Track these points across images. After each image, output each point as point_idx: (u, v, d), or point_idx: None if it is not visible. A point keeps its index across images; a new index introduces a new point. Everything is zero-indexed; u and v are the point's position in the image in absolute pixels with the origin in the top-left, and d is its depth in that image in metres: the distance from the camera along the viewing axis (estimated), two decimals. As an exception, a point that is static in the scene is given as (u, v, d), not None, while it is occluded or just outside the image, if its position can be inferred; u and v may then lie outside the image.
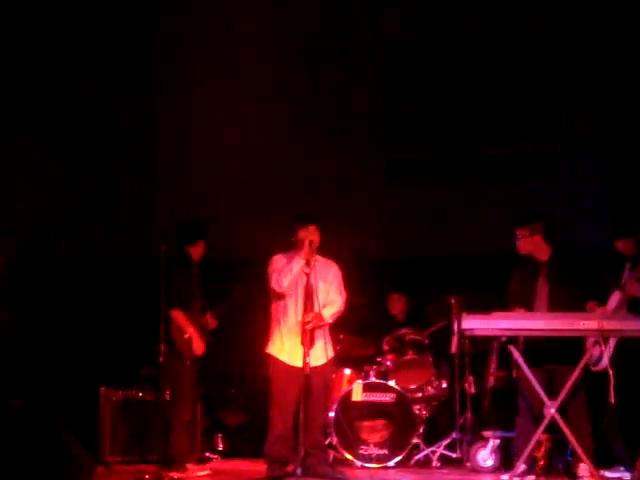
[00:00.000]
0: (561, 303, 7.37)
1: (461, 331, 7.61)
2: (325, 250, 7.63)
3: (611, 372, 6.99)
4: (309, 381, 7.36)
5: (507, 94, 10.47)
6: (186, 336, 7.89)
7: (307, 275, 7.49)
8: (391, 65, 10.69)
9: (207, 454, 8.99)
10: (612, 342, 7.29)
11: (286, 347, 7.52)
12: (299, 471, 7.13)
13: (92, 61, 10.72)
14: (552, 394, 7.21)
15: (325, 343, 7.54)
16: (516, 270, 7.67)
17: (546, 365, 7.37)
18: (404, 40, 10.63)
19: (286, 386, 7.46)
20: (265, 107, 10.58)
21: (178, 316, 7.89)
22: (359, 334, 9.03)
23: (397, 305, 9.31)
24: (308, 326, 7.39)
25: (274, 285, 7.53)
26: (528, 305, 7.47)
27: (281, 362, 7.55)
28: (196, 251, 8.14)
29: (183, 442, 7.88)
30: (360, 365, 8.91)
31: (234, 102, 10.62)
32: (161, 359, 7.61)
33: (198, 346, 7.96)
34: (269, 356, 7.62)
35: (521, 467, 7.32)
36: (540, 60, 10.40)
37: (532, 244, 7.55)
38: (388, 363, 8.84)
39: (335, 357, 7.78)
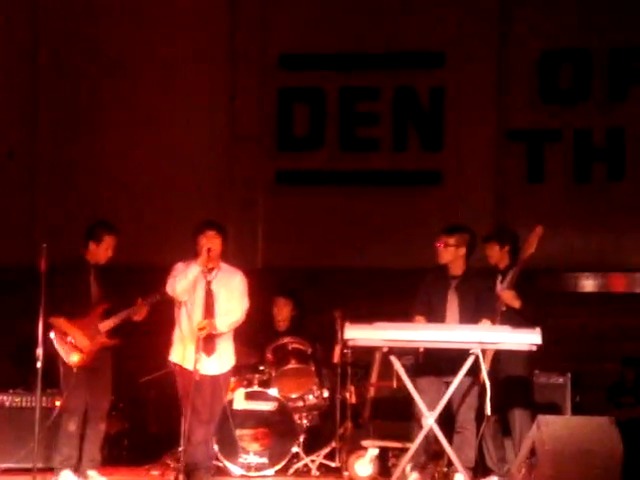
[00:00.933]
0: (470, 316, 7.51)
1: (344, 340, 7.69)
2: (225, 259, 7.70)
3: (488, 384, 7.13)
4: (199, 388, 7.39)
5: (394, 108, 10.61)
6: (68, 339, 7.72)
7: (208, 282, 7.55)
8: (282, 74, 10.73)
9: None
10: (489, 354, 7.44)
11: (188, 353, 7.56)
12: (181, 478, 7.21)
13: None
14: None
15: (228, 351, 7.69)
16: (425, 280, 7.76)
17: (442, 376, 7.47)
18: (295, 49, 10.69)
19: (194, 391, 7.45)
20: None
21: (58, 322, 7.74)
22: (242, 342, 8.99)
23: (283, 310, 9.28)
24: (200, 333, 7.41)
25: (168, 290, 7.59)
26: (438, 317, 7.57)
27: (184, 369, 7.59)
28: (100, 250, 7.87)
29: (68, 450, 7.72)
30: (243, 373, 8.90)
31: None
32: (38, 364, 7.37)
33: (84, 347, 7.70)
34: (172, 363, 7.70)
35: (414, 476, 7.44)
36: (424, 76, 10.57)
37: (455, 255, 7.65)
38: (271, 372, 8.85)
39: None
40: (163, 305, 7.76)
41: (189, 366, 7.53)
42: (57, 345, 7.73)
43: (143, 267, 9.28)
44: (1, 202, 10.63)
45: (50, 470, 7.76)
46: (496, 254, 7.84)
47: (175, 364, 7.68)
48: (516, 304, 7.59)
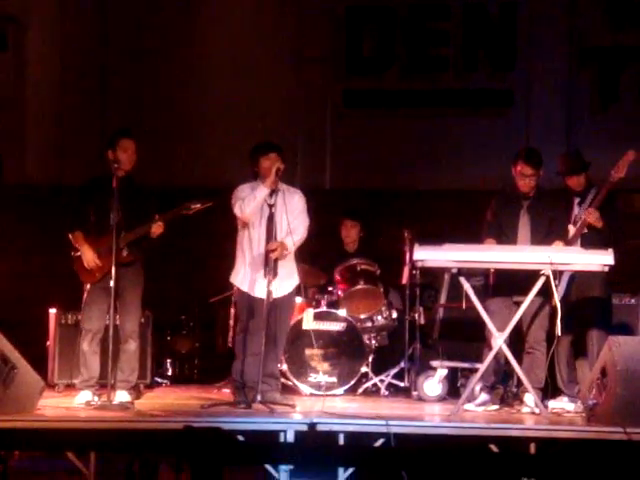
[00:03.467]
0: (542, 238, 7.45)
1: (412, 262, 7.67)
2: (283, 179, 7.62)
3: (559, 305, 7.08)
4: (271, 311, 7.40)
5: (463, 26, 10.44)
6: (78, 254, 7.54)
7: (270, 205, 7.50)
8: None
9: (156, 379, 8.99)
10: (565, 276, 7.37)
11: (248, 277, 7.56)
12: (259, 397, 7.18)
13: None
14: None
15: (291, 271, 7.65)
16: (496, 202, 7.68)
17: (514, 296, 7.43)
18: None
19: (249, 315, 7.52)
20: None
21: (74, 238, 7.57)
22: (311, 263, 9.04)
23: (351, 232, 9.26)
24: (273, 254, 7.40)
25: (237, 212, 7.54)
26: (509, 239, 7.51)
27: (243, 292, 7.60)
28: (120, 156, 7.48)
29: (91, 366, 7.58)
30: (311, 294, 8.95)
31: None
32: (111, 283, 7.24)
33: (89, 261, 7.47)
34: (233, 285, 7.70)
35: (483, 396, 7.46)
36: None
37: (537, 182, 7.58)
38: (339, 292, 8.88)
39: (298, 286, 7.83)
40: (234, 227, 7.71)
41: (250, 289, 7.54)
42: (74, 261, 7.61)
43: (211, 187, 9.21)
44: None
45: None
46: (575, 182, 7.74)
47: (236, 287, 7.71)
48: (599, 224, 7.52)
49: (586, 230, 7.60)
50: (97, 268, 7.50)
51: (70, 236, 7.60)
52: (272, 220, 7.49)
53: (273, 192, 7.50)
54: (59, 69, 10.70)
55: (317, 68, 10.68)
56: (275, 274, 7.40)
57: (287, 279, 7.62)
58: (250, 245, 7.58)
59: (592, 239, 7.50)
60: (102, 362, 7.50)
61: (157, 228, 7.52)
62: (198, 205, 7.54)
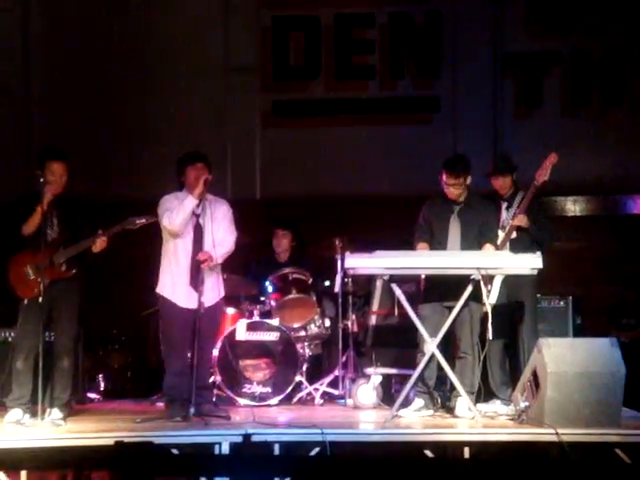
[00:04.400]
0: (472, 242, 7.51)
1: (344, 269, 7.69)
2: (209, 189, 7.58)
3: (489, 309, 7.15)
4: (200, 321, 7.36)
5: (390, 34, 10.51)
6: (19, 270, 7.39)
7: (197, 215, 7.47)
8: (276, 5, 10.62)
9: (88, 394, 8.89)
10: (498, 280, 7.45)
11: (176, 288, 7.50)
12: (192, 410, 7.15)
13: None
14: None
15: (216, 283, 7.59)
16: (426, 207, 7.72)
17: (444, 302, 7.48)
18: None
19: (178, 326, 7.46)
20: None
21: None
22: (243, 274, 9.02)
23: (282, 241, 9.26)
24: (203, 265, 7.36)
25: (166, 223, 7.46)
26: (440, 244, 7.57)
27: (171, 302, 7.53)
28: (49, 178, 7.30)
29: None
30: (244, 304, 8.92)
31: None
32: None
33: (28, 277, 7.32)
34: (159, 296, 7.60)
35: (417, 402, 7.49)
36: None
37: (465, 189, 7.62)
38: (272, 302, 8.87)
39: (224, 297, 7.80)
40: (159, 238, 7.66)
41: (177, 300, 7.48)
42: (10, 277, 7.45)
43: (136, 201, 9.12)
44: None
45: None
46: (501, 184, 7.83)
47: (163, 298, 7.58)
48: (527, 225, 7.65)
49: (515, 235, 7.70)
50: (35, 282, 7.31)
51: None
52: (200, 230, 7.46)
53: (200, 202, 7.47)
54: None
55: (245, 77, 10.66)
56: (202, 284, 7.36)
57: (212, 290, 7.55)
58: (177, 255, 7.52)
59: (521, 244, 7.58)
60: (32, 379, 7.35)
61: (101, 243, 7.41)
62: (143, 220, 7.46)
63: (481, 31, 10.42)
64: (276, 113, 10.66)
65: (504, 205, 7.88)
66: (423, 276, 7.52)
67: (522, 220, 7.67)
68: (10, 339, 8.17)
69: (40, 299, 7.13)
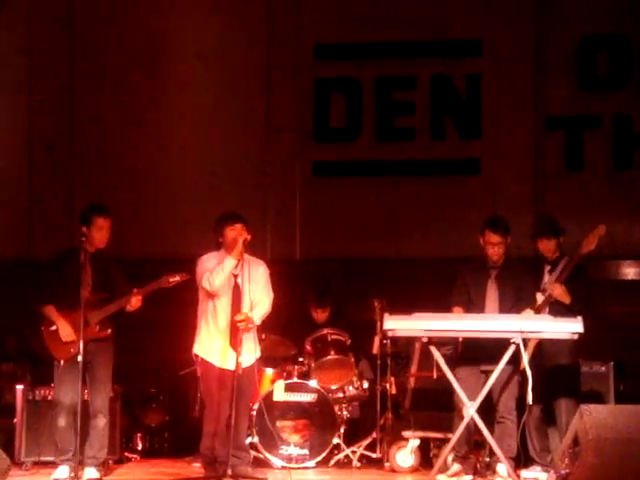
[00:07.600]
0: (510, 306, 7.47)
1: (383, 331, 7.66)
2: (249, 250, 7.59)
3: (529, 373, 7.07)
4: (226, 382, 7.34)
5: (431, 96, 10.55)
6: (52, 328, 7.49)
7: (235, 275, 7.47)
8: (318, 64, 10.70)
9: (126, 454, 8.87)
10: (532, 343, 7.37)
11: (214, 349, 7.50)
12: (229, 471, 7.11)
13: None
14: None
15: (253, 344, 7.59)
16: (463, 271, 7.71)
17: (482, 365, 7.42)
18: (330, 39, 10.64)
19: (216, 387, 7.45)
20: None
21: (47, 312, 7.54)
22: (281, 334, 9.00)
23: (321, 316, 9.26)
24: (241, 325, 7.34)
25: (205, 284, 7.46)
26: (477, 307, 7.52)
27: (209, 364, 7.53)
28: (92, 233, 7.50)
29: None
30: (282, 365, 8.90)
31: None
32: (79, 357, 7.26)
33: (66, 335, 7.42)
34: (197, 357, 7.60)
35: (455, 467, 7.40)
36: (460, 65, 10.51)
37: (505, 250, 7.59)
38: (310, 363, 8.83)
39: (260, 357, 7.77)
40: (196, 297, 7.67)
41: (215, 361, 7.48)
42: (45, 336, 7.54)
43: (178, 259, 9.18)
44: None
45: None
46: (546, 246, 7.77)
47: (201, 358, 7.58)
48: (566, 300, 7.56)
49: (553, 299, 7.63)
50: (72, 343, 7.40)
51: (42, 310, 7.52)
52: (238, 291, 7.46)
53: (238, 262, 7.48)
54: (26, 140, 10.70)
55: (285, 138, 10.73)
56: (240, 345, 7.34)
57: (249, 352, 7.54)
58: (214, 316, 7.53)
59: (560, 309, 7.52)
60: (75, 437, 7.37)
61: (136, 302, 7.47)
62: (177, 278, 7.53)
63: (522, 94, 10.41)
64: (317, 174, 10.69)
65: (547, 268, 7.82)
66: (461, 339, 7.47)
67: (557, 290, 7.58)
68: (50, 397, 8.19)
69: (79, 357, 7.16)
